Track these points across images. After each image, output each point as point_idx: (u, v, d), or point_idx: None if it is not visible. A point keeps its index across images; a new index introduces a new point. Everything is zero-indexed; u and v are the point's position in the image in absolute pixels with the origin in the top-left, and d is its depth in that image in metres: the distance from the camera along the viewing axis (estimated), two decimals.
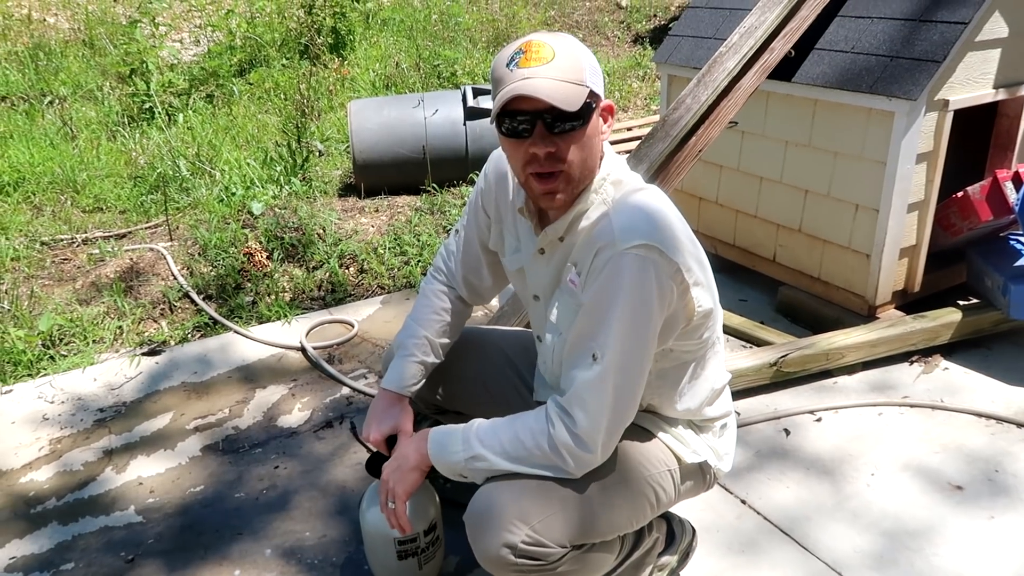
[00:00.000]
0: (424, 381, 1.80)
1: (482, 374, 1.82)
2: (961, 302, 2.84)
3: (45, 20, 7.36)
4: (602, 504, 1.42)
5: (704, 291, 1.41)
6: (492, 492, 1.39)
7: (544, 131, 1.30)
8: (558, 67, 1.28)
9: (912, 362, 2.70)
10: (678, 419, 1.56)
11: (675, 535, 1.75)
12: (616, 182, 1.43)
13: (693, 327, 1.43)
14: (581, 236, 1.42)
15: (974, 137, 3.02)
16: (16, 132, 5.19)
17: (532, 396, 1.77)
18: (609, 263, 1.32)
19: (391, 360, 1.75)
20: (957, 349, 2.74)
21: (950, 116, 2.58)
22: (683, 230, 1.38)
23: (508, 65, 1.30)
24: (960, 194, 2.69)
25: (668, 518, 1.77)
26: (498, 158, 1.64)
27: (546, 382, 1.66)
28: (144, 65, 5.50)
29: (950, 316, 2.70)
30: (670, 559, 1.73)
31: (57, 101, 5.77)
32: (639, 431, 1.51)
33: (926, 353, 2.72)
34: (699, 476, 1.60)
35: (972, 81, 2.60)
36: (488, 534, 1.36)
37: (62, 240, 3.90)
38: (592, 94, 1.32)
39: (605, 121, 1.40)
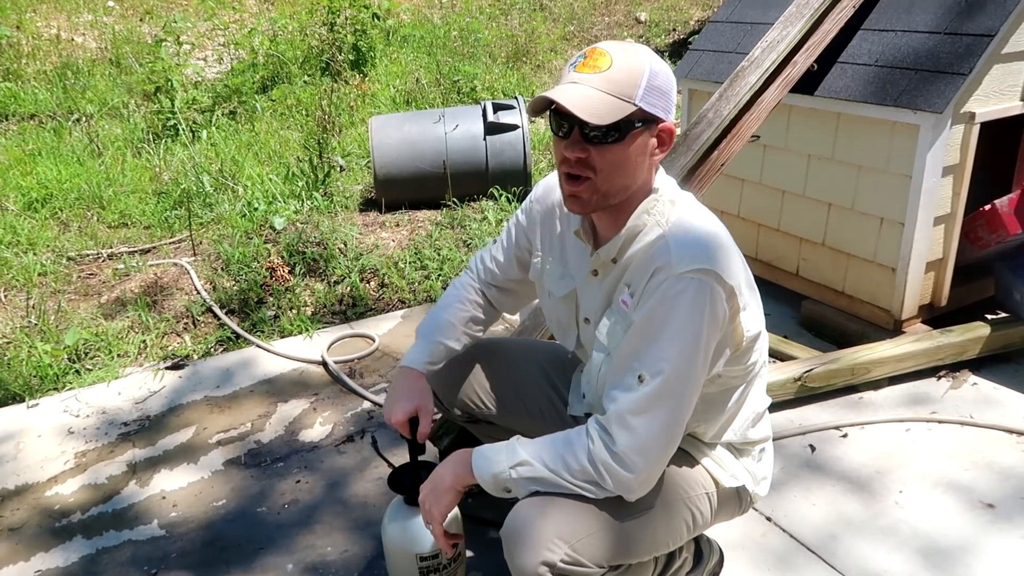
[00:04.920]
0: (454, 387, 1.80)
1: (517, 386, 1.81)
2: (989, 316, 2.80)
3: (73, 40, 7.50)
4: (640, 525, 1.40)
5: (752, 315, 1.40)
6: (531, 508, 1.37)
7: (579, 137, 1.31)
8: (608, 79, 1.28)
9: (940, 377, 2.66)
10: (718, 443, 1.55)
11: (703, 555, 1.73)
12: (670, 202, 1.42)
13: (742, 352, 1.42)
14: (636, 258, 1.41)
15: (1002, 149, 2.98)
16: (44, 149, 5.28)
17: (567, 409, 1.75)
18: (664, 285, 1.31)
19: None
20: (985, 364, 2.70)
21: (977, 129, 2.55)
22: (736, 253, 1.38)
23: (570, 65, 1.33)
24: (988, 207, 2.65)
25: (697, 538, 1.74)
26: (547, 187, 1.64)
27: (581, 396, 1.64)
28: (169, 83, 5.59)
29: (978, 330, 2.66)
30: None
31: (84, 119, 5.87)
32: (679, 453, 1.49)
33: (954, 368, 2.68)
34: (735, 500, 1.58)
35: (999, 93, 2.57)
36: (526, 551, 1.33)
37: (88, 255, 3.95)
38: (642, 112, 1.30)
39: (661, 144, 1.38)
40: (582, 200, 1.36)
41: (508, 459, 1.39)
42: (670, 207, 1.41)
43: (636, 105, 1.29)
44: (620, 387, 1.34)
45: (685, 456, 1.51)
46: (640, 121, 1.31)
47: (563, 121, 1.32)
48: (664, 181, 1.44)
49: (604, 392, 1.39)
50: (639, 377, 1.31)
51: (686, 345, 1.30)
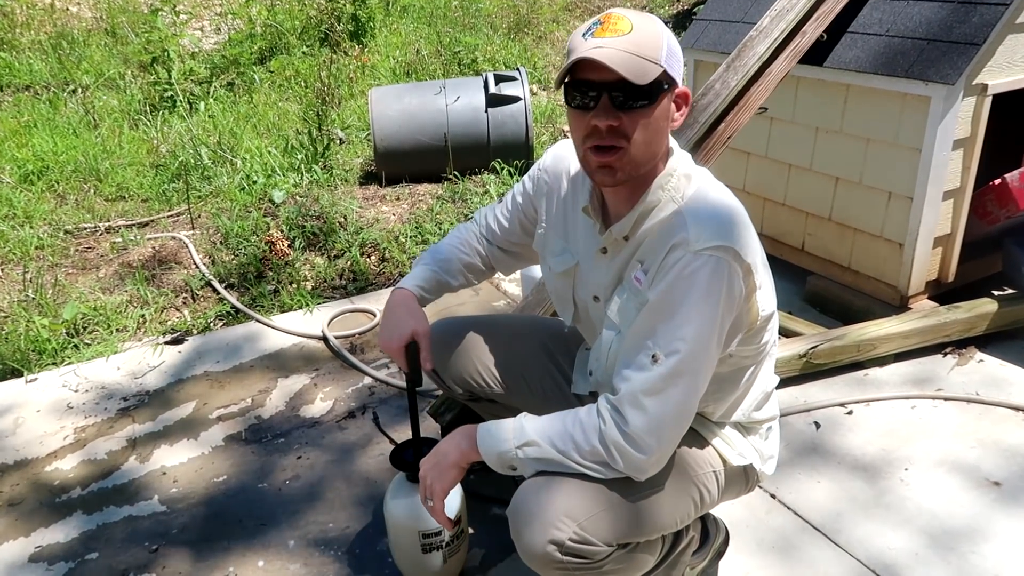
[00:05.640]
0: (456, 364, 1.76)
1: (519, 364, 1.78)
2: (996, 293, 2.77)
3: (68, 9, 7.39)
4: (648, 503, 1.38)
5: (767, 295, 1.37)
6: (538, 487, 1.34)
7: (609, 104, 1.26)
8: (633, 41, 1.24)
9: (946, 354, 2.64)
10: (727, 422, 1.52)
11: (709, 534, 1.71)
12: (685, 177, 1.38)
13: (755, 332, 1.38)
14: (650, 234, 1.37)
15: (1013, 122, 2.93)
16: (40, 121, 5.22)
17: (570, 388, 1.73)
18: (680, 263, 1.27)
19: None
20: (992, 341, 2.67)
21: (989, 101, 2.50)
22: (752, 230, 1.34)
23: (584, 35, 1.27)
24: (998, 181, 2.61)
25: (703, 517, 1.72)
26: (556, 157, 1.60)
27: (587, 374, 1.62)
28: (165, 53, 5.50)
29: (985, 307, 2.63)
30: (702, 558, 1.70)
31: (80, 90, 5.80)
32: (688, 432, 1.46)
33: (960, 345, 2.66)
34: (742, 478, 1.56)
35: (1012, 65, 2.51)
36: (534, 530, 1.31)
37: (85, 229, 3.91)
38: (666, 75, 1.27)
39: (678, 108, 1.35)
40: (614, 170, 1.31)
41: (515, 438, 1.36)
42: (686, 182, 1.37)
43: (662, 67, 1.26)
44: (633, 366, 1.31)
45: (694, 435, 1.49)
46: (666, 84, 1.28)
47: (590, 90, 1.26)
48: (679, 154, 1.40)
49: (615, 371, 1.35)
50: (653, 356, 1.28)
51: (702, 324, 1.27)
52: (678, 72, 1.30)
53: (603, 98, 1.25)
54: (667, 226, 1.33)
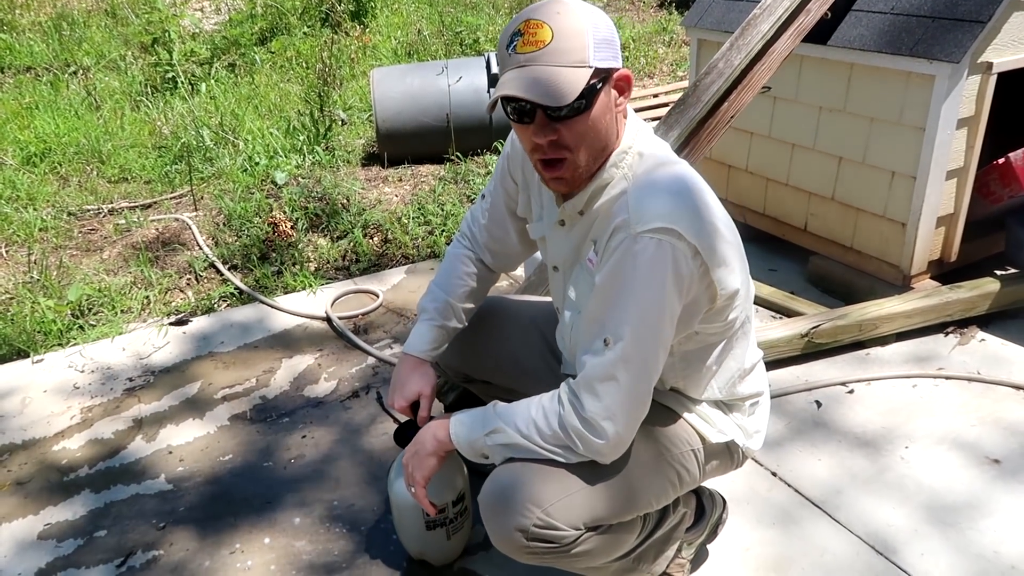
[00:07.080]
0: (449, 347, 1.77)
1: (512, 345, 1.79)
2: (998, 272, 2.77)
3: None
4: (618, 485, 1.39)
5: (729, 272, 1.33)
6: (505, 474, 1.37)
7: (544, 119, 1.26)
8: (556, 50, 1.21)
9: (947, 333, 2.64)
10: (704, 399, 1.51)
11: (705, 509, 1.72)
12: (640, 154, 1.36)
13: (718, 309, 1.37)
14: (601, 212, 1.37)
15: (1017, 101, 2.92)
16: (41, 103, 5.21)
17: (561, 369, 1.74)
18: (622, 245, 1.26)
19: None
20: (994, 320, 2.68)
21: (993, 79, 2.48)
22: (707, 208, 1.30)
23: (508, 47, 1.25)
24: (1001, 160, 2.61)
25: (698, 492, 1.73)
26: None
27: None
28: (166, 34, 5.48)
29: (988, 286, 2.63)
30: (699, 533, 1.71)
31: (81, 71, 5.78)
32: (662, 411, 1.47)
33: (962, 324, 2.66)
34: (726, 455, 1.55)
35: (1017, 43, 2.50)
36: (500, 517, 1.34)
37: (89, 210, 3.92)
38: (597, 72, 1.24)
39: (622, 93, 1.33)
40: (566, 181, 1.32)
41: (483, 426, 1.39)
42: (638, 160, 1.36)
43: (591, 67, 1.23)
44: (589, 352, 1.32)
45: (669, 413, 1.49)
46: (599, 81, 1.26)
47: (522, 105, 1.25)
48: (637, 131, 1.38)
49: (576, 354, 1.37)
50: (604, 341, 1.29)
51: (647, 309, 1.26)
52: (611, 58, 1.27)
53: (537, 114, 1.25)
54: (614, 206, 1.33)
